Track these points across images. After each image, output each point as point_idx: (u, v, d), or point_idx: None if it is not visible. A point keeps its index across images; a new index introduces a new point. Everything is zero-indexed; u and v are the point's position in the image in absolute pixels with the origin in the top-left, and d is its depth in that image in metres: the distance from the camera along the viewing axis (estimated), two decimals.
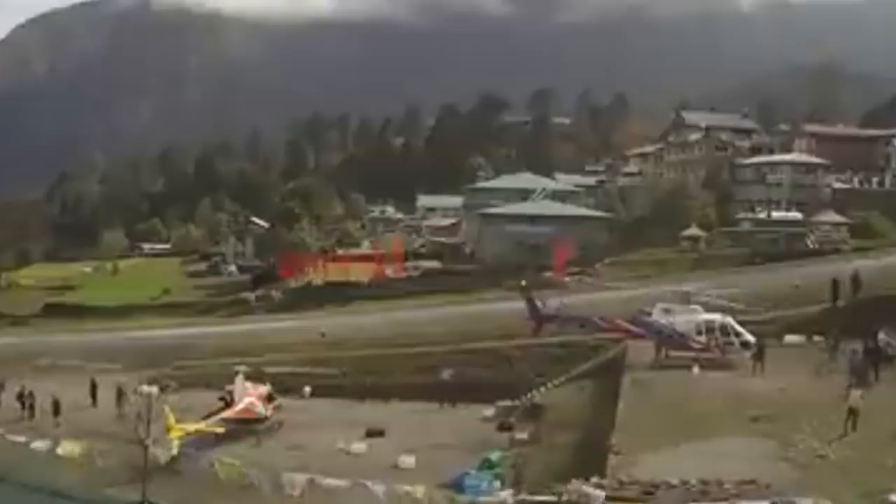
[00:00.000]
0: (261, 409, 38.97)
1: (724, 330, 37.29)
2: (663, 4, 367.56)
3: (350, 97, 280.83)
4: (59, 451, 36.80)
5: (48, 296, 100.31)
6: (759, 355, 35.13)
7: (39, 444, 38.05)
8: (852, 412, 26.23)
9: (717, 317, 37.98)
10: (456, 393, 42.32)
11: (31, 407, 43.85)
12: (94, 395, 45.81)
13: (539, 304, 42.94)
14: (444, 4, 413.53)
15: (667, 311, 38.71)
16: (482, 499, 26.78)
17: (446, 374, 43.88)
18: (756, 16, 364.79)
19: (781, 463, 24.07)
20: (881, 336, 34.05)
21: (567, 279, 72.23)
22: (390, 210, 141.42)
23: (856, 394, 26.91)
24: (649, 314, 39.43)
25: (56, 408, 42.40)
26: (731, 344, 37.12)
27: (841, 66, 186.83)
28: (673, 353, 37.98)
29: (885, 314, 36.72)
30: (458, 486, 29.21)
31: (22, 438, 39.04)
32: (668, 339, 38.08)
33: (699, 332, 37.46)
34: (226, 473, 31.04)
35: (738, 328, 37.48)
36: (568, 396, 39.20)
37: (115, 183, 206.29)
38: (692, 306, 38.77)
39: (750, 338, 37.15)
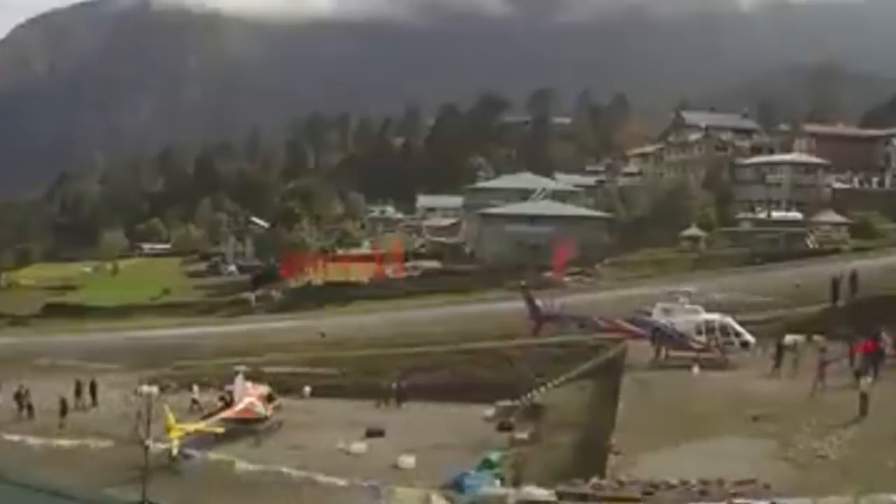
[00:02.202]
0: (261, 409, 38.97)
1: (724, 330, 37.30)
2: (663, 4, 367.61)
3: (350, 97, 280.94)
4: (57, 449, 36.79)
5: (48, 296, 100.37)
6: (778, 355, 35.06)
7: (38, 443, 38.03)
8: (863, 398, 26.91)
9: (716, 317, 37.99)
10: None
11: (30, 407, 43.88)
12: (93, 395, 45.91)
13: (540, 303, 42.94)
14: (444, 4, 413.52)
15: (667, 311, 38.71)
16: (483, 491, 26.75)
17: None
18: (756, 16, 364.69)
19: (781, 463, 24.05)
20: (882, 336, 34.01)
21: (567, 279, 72.38)
22: (390, 210, 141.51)
23: (866, 380, 27.73)
24: (649, 314, 39.42)
25: (64, 408, 42.43)
26: (731, 344, 37.12)
27: (841, 66, 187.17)
28: (673, 353, 37.99)
29: (885, 314, 36.69)
30: (457, 485, 29.19)
31: (18, 437, 39.01)
32: (668, 339, 38.07)
33: (699, 332, 37.46)
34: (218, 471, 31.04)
35: (738, 328, 37.48)
36: (568, 396, 39.18)
37: (115, 183, 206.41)
38: (692, 306, 38.78)
39: (750, 338, 37.14)
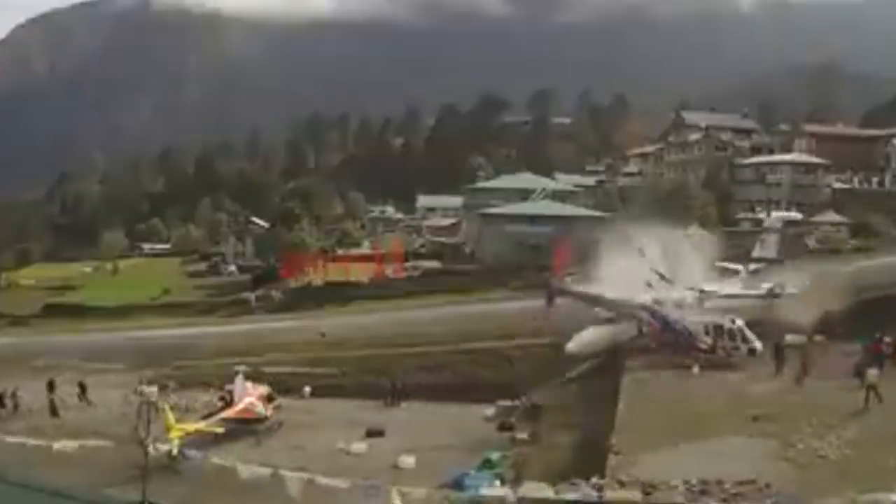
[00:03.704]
0: (261, 409, 38.97)
1: (732, 334, 36.92)
2: (663, 4, 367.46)
3: (350, 97, 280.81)
4: (57, 449, 36.72)
5: (48, 296, 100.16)
6: (779, 356, 34.90)
7: (37, 444, 37.96)
8: (871, 388, 27.33)
9: (726, 320, 37.60)
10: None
11: (16, 407, 43.82)
12: (83, 393, 45.77)
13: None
14: (444, 4, 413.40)
15: (679, 305, 38.60)
16: (484, 492, 26.76)
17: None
18: (756, 16, 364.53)
19: (782, 463, 24.05)
20: (882, 337, 33.99)
21: (567, 279, 72.26)
22: (390, 210, 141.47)
23: (873, 372, 28.17)
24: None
25: (53, 408, 42.31)
26: (737, 349, 36.80)
27: (841, 66, 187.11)
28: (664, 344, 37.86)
29: (885, 314, 36.66)
30: (457, 485, 29.17)
31: (17, 438, 38.93)
32: (677, 334, 37.76)
33: (706, 333, 37.22)
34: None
35: (748, 333, 36.92)
36: (568, 396, 39.18)
37: (115, 183, 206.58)
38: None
39: (758, 345, 36.63)
